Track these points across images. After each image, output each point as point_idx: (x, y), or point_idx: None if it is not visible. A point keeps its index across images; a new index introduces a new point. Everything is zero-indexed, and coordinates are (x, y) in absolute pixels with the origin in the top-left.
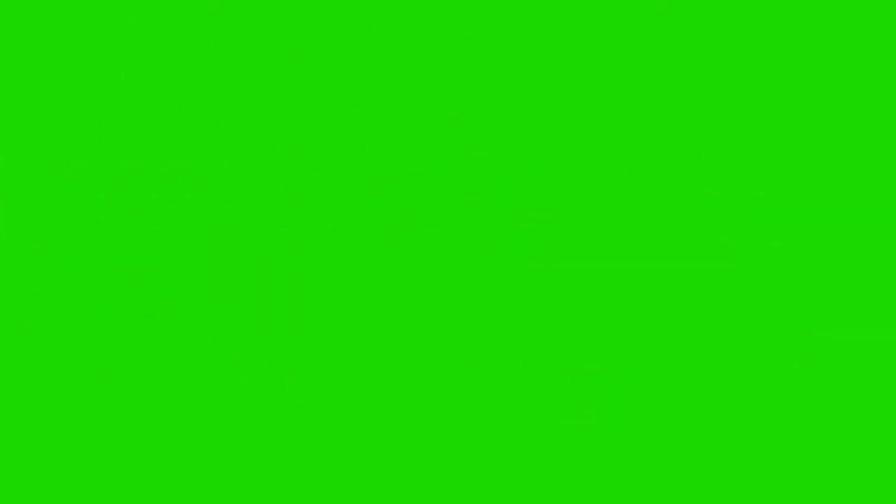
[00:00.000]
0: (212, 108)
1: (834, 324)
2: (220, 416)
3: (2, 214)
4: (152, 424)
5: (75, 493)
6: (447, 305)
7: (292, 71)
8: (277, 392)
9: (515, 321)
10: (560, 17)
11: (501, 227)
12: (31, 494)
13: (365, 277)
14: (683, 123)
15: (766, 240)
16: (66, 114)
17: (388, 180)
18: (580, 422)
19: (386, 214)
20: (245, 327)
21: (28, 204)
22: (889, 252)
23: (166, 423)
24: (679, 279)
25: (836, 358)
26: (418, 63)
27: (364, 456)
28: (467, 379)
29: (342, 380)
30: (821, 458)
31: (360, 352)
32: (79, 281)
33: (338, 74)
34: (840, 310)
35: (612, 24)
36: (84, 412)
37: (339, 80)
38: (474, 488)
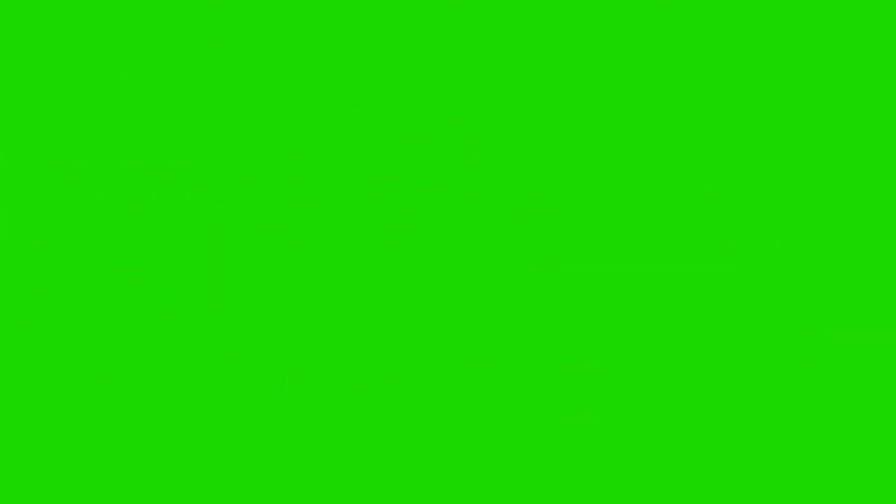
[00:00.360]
0: (212, 108)
1: (834, 324)
2: (220, 417)
3: (1, 214)
4: (152, 425)
5: (75, 494)
6: (447, 306)
7: (292, 71)
8: (277, 392)
9: (515, 321)
10: (560, 17)
11: (502, 226)
12: (31, 494)
13: (364, 277)
14: (683, 123)
15: (766, 240)
16: (67, 114)
17: (388, 180)
18: (580, 422)
19: (386, 214)
20: (245, 328)
21: (28, 204)
22: (889, 252)
23: (166, 424)
24: (679, 279)
25: (837, 358)
26: (418, 63)
27: (364, 456)
28: (467, 379)
29: (342, 380)
30: (821, 458)
31: (360, 352)
32: (79, 281)
33: (338, 74)
34: (840, 310)
35: (612, 24)
36: (84, 412)
37: (339, 79)
38: (474, 488)
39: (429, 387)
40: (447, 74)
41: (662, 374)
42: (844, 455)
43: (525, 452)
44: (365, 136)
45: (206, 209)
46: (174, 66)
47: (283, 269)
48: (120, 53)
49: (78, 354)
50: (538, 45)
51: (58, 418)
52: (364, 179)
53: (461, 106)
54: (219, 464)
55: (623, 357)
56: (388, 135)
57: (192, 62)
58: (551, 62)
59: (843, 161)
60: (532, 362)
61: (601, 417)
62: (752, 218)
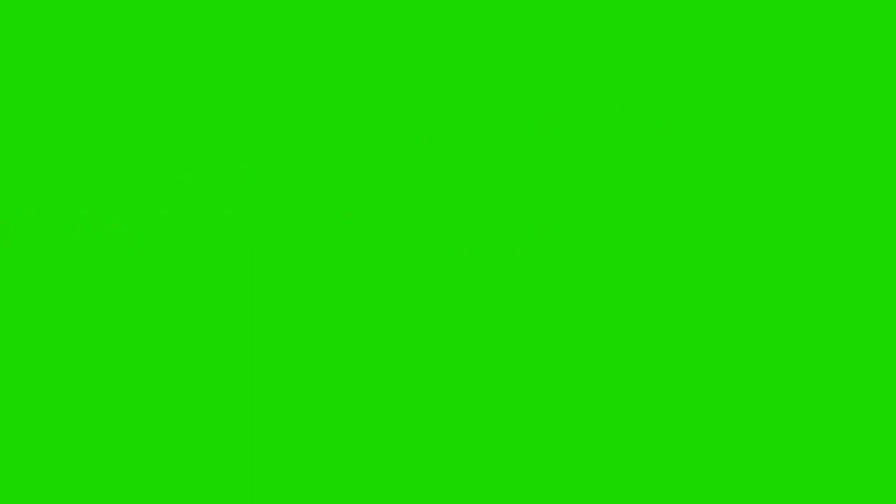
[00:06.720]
0: (211, 109)
1: (833, 324)
2: (220, 418)
3: (1, 214)
4: (151, 426)
5: (75, 493)
6: (447, 306)
7: (292, 71)
8: (277, 394)
9: (515, 322)
10: (560, 17)
11: (501, 227)
12: (30, 494)
13: (364, 278)
14: (684, 124)
15: (766, 240)
16: (66, 114)
17: (387, 180)
18: (580, 423)
19: (385, 214)
20: (244, 328)
21: (27, 204)
22: (889, 253)
23: (165, 425)
24: (679, 280)
25: (836, 358)
26: (418, 63)
27: (363, 457)
28: (467, 380)
29: (342, 381)
30: (820, 459)
31: (360, 353)
32: (78, 281)
33: (337, 74)
34: (840, 310)
35: (612, 24)
36: (84, 412)
37: (339, 79)
38: (474, 489)
39: (428, 388)
40: (447, 75)
41: (662, 375)
42: (845, 455)
43: (525, 453)
44: (364, 136)
45: (205, 209)
46: (174, 66)
47: (282, 270)
48: (120, 53)
49: (77, 355)
50: (538, 46)
51: (57, 418)
52: (364, 178)
53: (461, 106)
54: (219, 464)
55: (623, 358)
56: (388, 135)
57: (192, 62)
58: (551, 62)
59: (843, 162)
60: (532, 363)
61: (601, 418)
62: (752, 219)
